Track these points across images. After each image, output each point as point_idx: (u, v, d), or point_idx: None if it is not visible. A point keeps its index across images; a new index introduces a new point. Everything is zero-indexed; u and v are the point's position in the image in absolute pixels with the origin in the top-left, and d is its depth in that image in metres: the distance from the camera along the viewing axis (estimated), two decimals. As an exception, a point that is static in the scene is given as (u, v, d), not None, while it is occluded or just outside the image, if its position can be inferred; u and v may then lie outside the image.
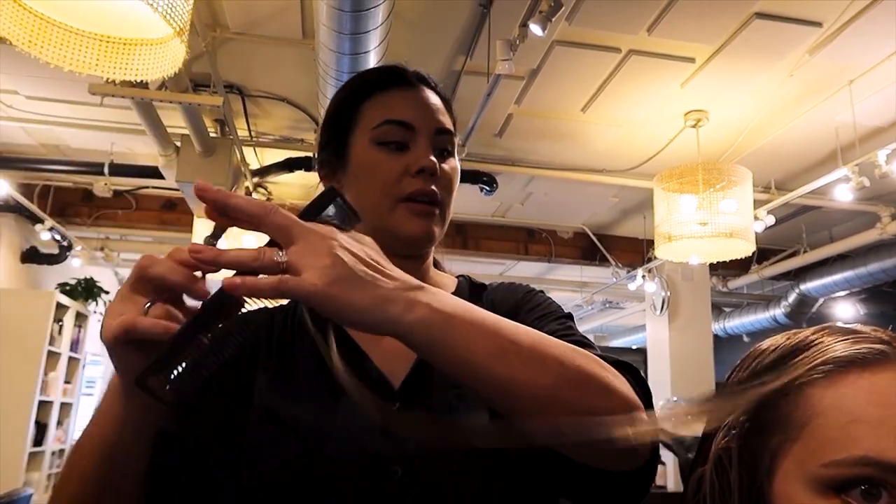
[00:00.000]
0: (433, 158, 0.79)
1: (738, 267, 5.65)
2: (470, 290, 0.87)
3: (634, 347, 9.17)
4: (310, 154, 3.79)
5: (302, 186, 4.63)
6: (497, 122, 3.73)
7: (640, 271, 5.41)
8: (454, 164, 0.85)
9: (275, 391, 0.75)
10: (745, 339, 7.07)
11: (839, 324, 0.53)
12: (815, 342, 0.50)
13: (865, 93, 3.21)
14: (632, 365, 0.65)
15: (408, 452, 0.69)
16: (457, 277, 0.91)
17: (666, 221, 3.49)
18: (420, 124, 0.81)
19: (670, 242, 3.46)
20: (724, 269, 5.86)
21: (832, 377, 0.48)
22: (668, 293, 5.45)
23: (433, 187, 0.79)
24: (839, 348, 0.49)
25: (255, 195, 3.90)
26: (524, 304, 0.83)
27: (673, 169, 3.43)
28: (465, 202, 4.58)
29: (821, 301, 5.98)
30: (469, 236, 5.44)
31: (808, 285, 5.69)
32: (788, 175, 4.25)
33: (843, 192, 3.32)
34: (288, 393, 0.75)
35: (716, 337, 6.09)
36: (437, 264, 0.92)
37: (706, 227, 3.36)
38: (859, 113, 3.31)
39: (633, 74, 3.16)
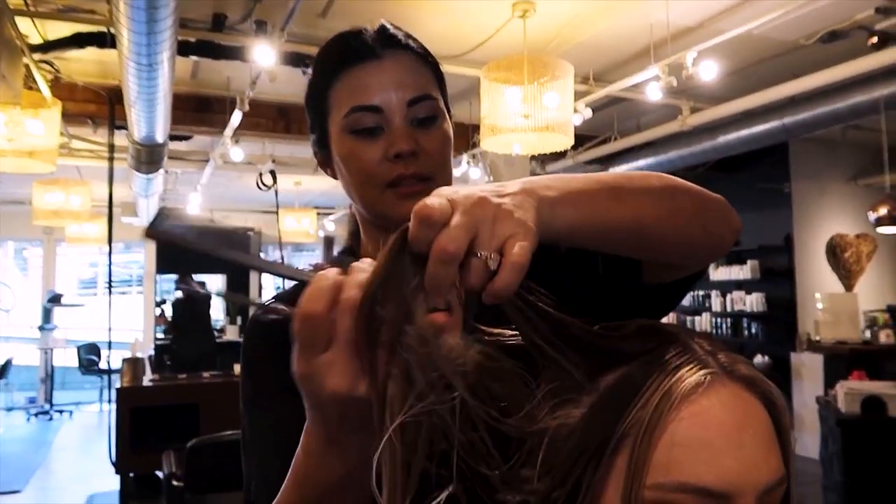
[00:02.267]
0: (409, 138, 0.75)
1: (556, 153, 5.92)
2: None
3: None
4: (103, 29, 3.29)
5: (98, 63, 4.07)
6: (320, 2, 3.46)
7: (465, 157, 5.49)
8: (441, 128, 0.79)
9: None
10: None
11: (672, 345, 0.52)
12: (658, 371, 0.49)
13: (679, -7, 3.34)
14: None
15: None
16: None
17: (491, 114, 3.51)
18: (390, 104, 0.76)
19: (494, 135, 3.51)
20: (543, 155, 6.12)
21: (662, 406, 0.48)
22: (492, 178, 5.62)
23: (414, 169, 0.76)
24: (674, 379, 0.48)
25: (38, 75, 3.35)
26: None
27: (500, 60, 3.41)
28: (289, 84, 4.29)
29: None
30: (292, 119, 5.16)
31: (617, 168, 6.13)
32: (607, 67, 4.42)
33: (653, 90, 3.52)
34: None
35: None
36: None
37: (529, 120, 3.44)
38: (673, 12, 3.46)
39: (464, -40, 3.03)
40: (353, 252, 0.88)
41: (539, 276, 0.55)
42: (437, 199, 0.47)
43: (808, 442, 5.80)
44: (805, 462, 5.78)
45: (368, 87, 0.76)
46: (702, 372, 0.48)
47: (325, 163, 0.85)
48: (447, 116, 0.82)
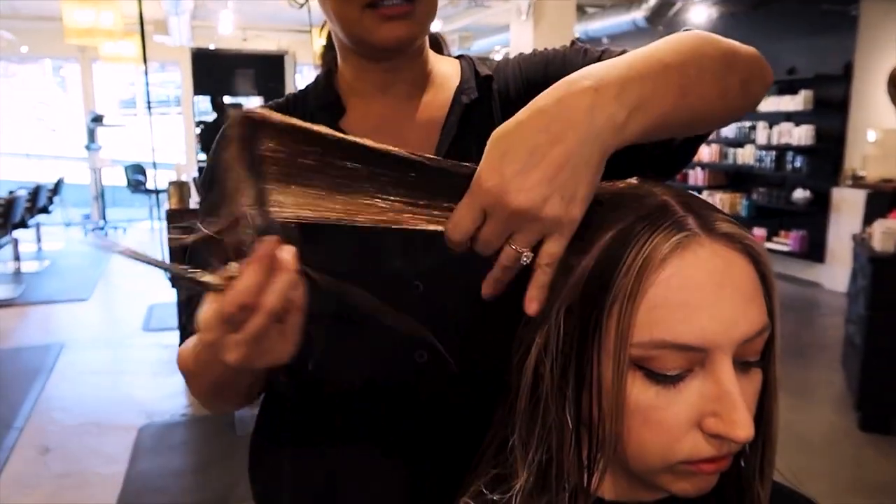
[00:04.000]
0: None
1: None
2: (476, 80, 0.79)
3: (499, 48, 9.12)
4: None
5: None
6: None
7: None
8: None
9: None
10: (605, 41, 7.19)
11: (651, 192, 0.53)
12: (635, 236, 0.51)
13: None
14: None
15: (429, 267, 0.71)
16: (457, 58, 0.83)
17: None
18: None
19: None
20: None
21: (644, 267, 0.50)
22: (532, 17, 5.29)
23: None
24: (651, 244, 0.50)
25: None
26: (553, 67, 0.79)
27: None
28: None
29: (679, 5, 6.07)
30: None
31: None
32: None
33: None
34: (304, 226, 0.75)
35: (578, 40, 6.14)
36: (437, 45, 0.84)
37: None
38: None
39: None
40: (329, 78, 0.80)
41: None
42: (467, 218, 0.51)
43: (837, 275, 5.89)
44: (832, 295, 5.92)
45: None
46: (680, 234, 0.50)
47: None
48: None
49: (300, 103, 0.81)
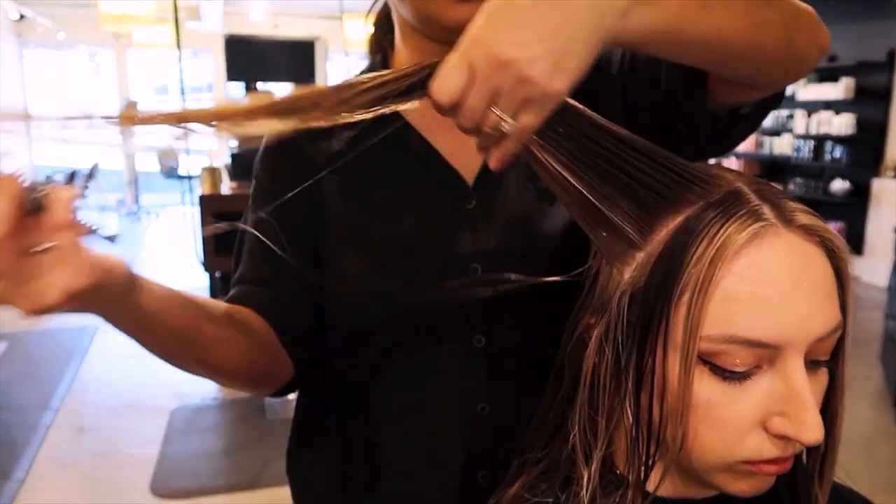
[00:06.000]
0: None
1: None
2: None
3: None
4: None
5: None
6: None
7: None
8: None
9: (345, 202, 0.73)
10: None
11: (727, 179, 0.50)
12: (705, 225, 0.48)
13: None
14: None
15: (486, 249, 0.70)
16: None
17: None
18: None
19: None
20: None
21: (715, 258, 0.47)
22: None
23: None
24: (724, 231, 0.47)
25: None
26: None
27: None
28: None
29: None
30: (357, -85, 4.81)
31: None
32: None
33: None
34: (358, 204, 0.73)
35: None
36: None
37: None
38: None
39: None
40: (386, 62, 0.77)
41: (591, 99, 0.53)
42: (455, 73, 0.48)
43: (876, 269, 5.74)
44: (871, 289, 5.76)
45: None
46: (757, 224, 0.47)
47: None
48: None
49: None
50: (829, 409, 0.52)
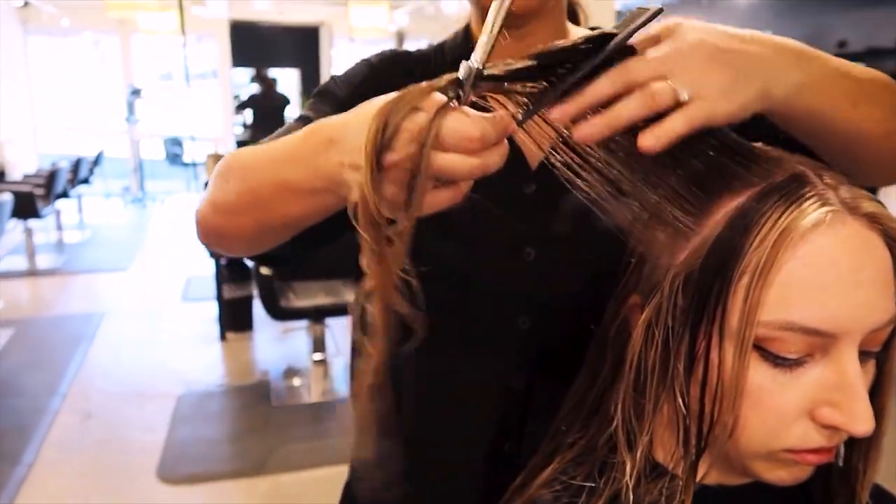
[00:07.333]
0: None
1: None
2: None
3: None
4: None
5: None
6: None
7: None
8: None
9: None
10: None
11: (791, 168, 0.49)
12: (765, 213, 0.47)
13: None
14: None
15: (541, 235, 0.70)
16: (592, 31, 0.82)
17: None
18: None
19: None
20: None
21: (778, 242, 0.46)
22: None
23: None
24: (787, 216, 0.46)
25: None
26: None
27: None
28: None
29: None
30: None
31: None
32: None
33: None
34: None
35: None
36: (575, 18, 0.81)
37: None
38: None
39: None
40: (467, 34, 0.78)
41: None
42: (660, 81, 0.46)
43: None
44: None
45: None
46: (823, 209, 0.46)
47: None
48: None
49: (439, 56, 0.80)
50: (876, 403, 0.51)
